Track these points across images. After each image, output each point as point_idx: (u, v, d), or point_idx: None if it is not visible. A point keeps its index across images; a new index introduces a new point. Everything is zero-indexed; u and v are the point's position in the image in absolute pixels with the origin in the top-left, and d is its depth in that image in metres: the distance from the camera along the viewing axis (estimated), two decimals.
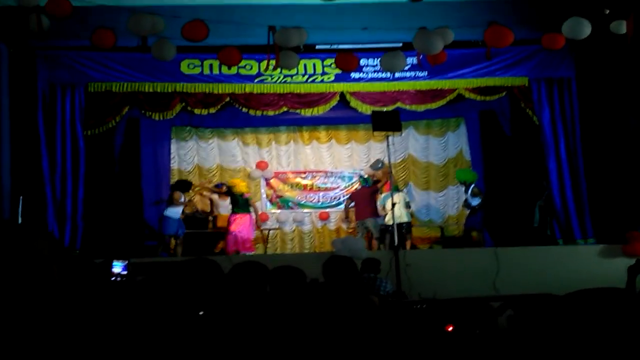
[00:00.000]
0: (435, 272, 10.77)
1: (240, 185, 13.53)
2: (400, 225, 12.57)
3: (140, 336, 3.29)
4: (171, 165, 15.35)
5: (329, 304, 4.35)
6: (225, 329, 3.71)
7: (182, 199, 13.10)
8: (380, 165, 14.14)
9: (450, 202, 15.94)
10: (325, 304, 4.36)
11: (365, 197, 13.77)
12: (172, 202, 12.99)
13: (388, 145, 11.03)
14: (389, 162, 11.15)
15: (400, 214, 13.06)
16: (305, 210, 15.92)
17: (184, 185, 13.48)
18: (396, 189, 13.73)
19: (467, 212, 13.83)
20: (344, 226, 15.49)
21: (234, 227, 12.99)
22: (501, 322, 4.54)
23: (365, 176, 15.16)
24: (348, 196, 14.62)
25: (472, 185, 13.47)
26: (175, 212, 12.96)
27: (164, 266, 9.36)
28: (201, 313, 3.79)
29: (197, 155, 15.74)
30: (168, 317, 3.70)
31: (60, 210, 12.16)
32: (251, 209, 13.41)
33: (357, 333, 3.91)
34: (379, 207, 13.58)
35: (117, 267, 6.69)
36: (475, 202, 13.34)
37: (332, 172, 15.99)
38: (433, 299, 9.15)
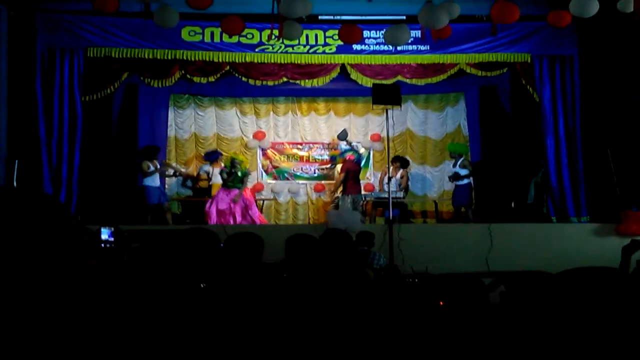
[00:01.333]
0: (428, 247, 10.88)
1: (245, 161, 13.73)
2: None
3: (138, 306, 3.36)
4: (168, 132, 15.44)
5: (327, 276, 4.43)
6: (224, 301, 3.78)
7: (151, 168, 13.03)
8: (347, 136, 14.46)
9: (446, 177, 16.03)
10: (322, 276, 4.43)
11: (357, 173, 13.88)
12: (142, 173, 13.04)
13: (387, 119, 11.11)
14: (387, 135, 11.20)
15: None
16: (301, 181, 16.01)
17: (149, 152, 13.34)
18: (404, 164, 13.96)
19: (454, 185, 13.85)
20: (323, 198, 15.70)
21: (224, 203, 13.03)
22: (493, 298, 4.62)
23: (361, 150, 15.30)
24: (342, 170, 14.49)
25: (462, 158, 13.57)
26: (152, 179, 13.01)
27: (159, 234, 9.47)
28: (202, 285, 3.86)
29: (194, 124, 15.82)
30: (167, 287, 3.76)
31: (56, 175, 12.17)
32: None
33: (353, 305, 3.99)
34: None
35: (104, 234, 6.73)
36: (463, 172, 13.37)
37: (329, 144, 16.04)
38: (425, 273, 9.27)
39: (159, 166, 13.23)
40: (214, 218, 12.92)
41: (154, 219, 12.93)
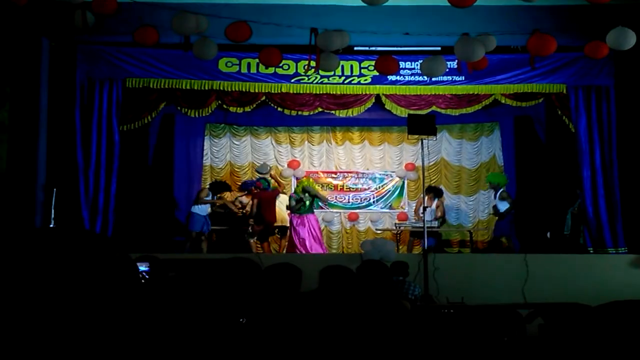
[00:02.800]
0: (463, 277, 10.84)
1: (311, 183, 13.97)
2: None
3: (173, 337, 3.41)
4: (203, 161, 15.61)
5: (364, 308, 4.45)
6: (261, 334, 3.81)
7: (209, 197, 13.39)
8: (267, 170, 14.32)
9: (481, 207, 16.02)
10: (359, 308, 4.45)
11: (267, 200, 13.82)
12: (197, 199, 13.31)
13: (422, 148, 11.15)
14: (422, 164, 11.21)
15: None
16: (335, 210, 16.06)
17: (216, 187, 13.77)
18: (438, 194, 13.96)
19: (496, 218, 13.90)
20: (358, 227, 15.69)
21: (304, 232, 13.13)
22: (530, 330, 4.62)
23: (396, 179, 15.37)
24: (254, 197, 14.04)
25: (501, 190, 13.57)
26: (201, 208, 13.26)
27: (193, 263, 9.57)
28: (242, 320, 3.89)
29: (229, 153, 16.00)
30: (203, 318, 3.80)
31: (93, 204, 12.28)
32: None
33: (392, 337, 4.01)
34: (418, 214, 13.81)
35: (141, 271, 6.79)
36: (503, 206, 13.40)
37: (363, 173, 16.12)
38: (461, 304, 9.23)
39: (215, 198, 13.56)
40: (302, 246, 13.03)
41: (192, 248, 13.04)
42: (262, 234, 13.88)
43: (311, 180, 14.54)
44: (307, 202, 13.27)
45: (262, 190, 13.79)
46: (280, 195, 14.26)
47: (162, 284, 5.18)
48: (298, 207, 13.23)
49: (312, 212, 13.45)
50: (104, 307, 1.63)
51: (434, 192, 14.39)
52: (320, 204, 14.23)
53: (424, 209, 11.78)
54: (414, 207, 15.20)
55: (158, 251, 9.45)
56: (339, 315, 4.24)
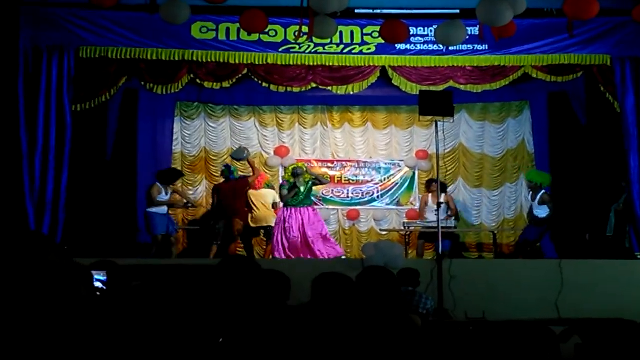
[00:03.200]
0: (485, 288, 10.84)
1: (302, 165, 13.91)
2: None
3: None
4: (173, 148, 15.64)
5: (365, 324, 4.45)
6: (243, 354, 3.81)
7: (162, 195, 13.06)
8: (244, 155, 13.95)
9: (507, 203, 16.05)
10: (359, 324, 4.45)
11: (231, 192, 13.72)
12: (150, 201, 13.02)
13: (436, 132, 11.11)
14: (437, 151, 11.19)
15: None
16: (331, 207, 16.06)
17: (168, 177, 13.41)
18: (443, 189, 13.87)
19: (527, 222, 13.87)
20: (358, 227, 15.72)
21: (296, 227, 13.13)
22: (565, 351, 4.62)
23: (405, 170, 15.37)
24: (214, 190, 14.20)
25: (542, 192, 13.32)
26: (160, 207, 13.12)
27: (161, 270, 9.54)
28: (221, 340, 3.90)
29: (204, 137, 16.02)
30: (173, 335, 3.80)
31: (40, 199, 12.19)
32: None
33: (399, 358, 4.02)
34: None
35: (97, 280, 6.71)
36: (543, 212, 13.18)
37: (365, 162, 16.12)
38: (482, 319, 9.25)
39: (170, 193, 13.26)
40: (281, 251, 13.03)
41: (159, 252, 12.95)
42: (244, 236, 13.87)
43: (302, 164, 14.47)
44: (303, 188, 13.30)
45: (226, 179, 13.80)
46: (263, 189, 14.20)
47: (123, 296, 5.17)
48: (292, 196, 13.25)
49: (310, 204, 13.49)
50: (39, 324, 1.63)
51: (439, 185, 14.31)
52: (318, 193, 14.18)
53: (439, 204, 11.74)
54: (419, 207, 15.22)
55: (118, 256, 9.42)
56: (336, 333, 4.24)
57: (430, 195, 14.21)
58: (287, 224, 13.13)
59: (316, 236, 13.14)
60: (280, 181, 14.34)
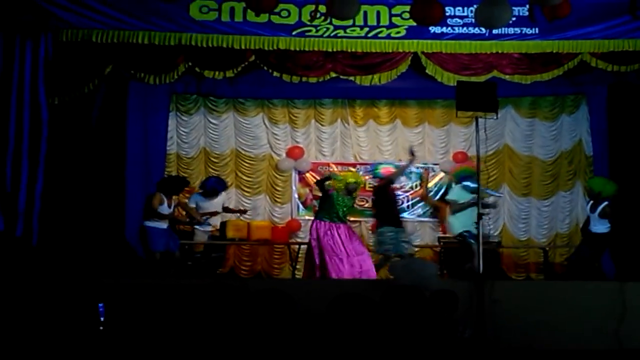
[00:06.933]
0: (533, 313, 10.77)
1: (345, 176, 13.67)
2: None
3: None
4: (168, 148, 15.68)
5: (393, 352, 4.44)
6: None
7: (164, 207, 13.01)
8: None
9: (560, 215, 16.02)
10: (388, 352, 4.44)
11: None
12: (149, 212, 12.97)
13: (477, 131, 11.05)
14: (477, 153, 11.15)
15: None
16: (353, 218, 16.03)
17: (172, 186, 13.35)
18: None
19: (582, 238, 13.78)
20: None
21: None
22: None
23: (440, 175, 15.42)
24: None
25: (605, 203, 12.96)
26: (161, 221, 13.02)
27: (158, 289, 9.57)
28: None
29: (204, 135, 16.08)
30: None
31: (11, 204, 12.18)
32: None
33: None
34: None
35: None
36: (602, 227, 12.98)
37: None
38: (529, 349, 9.20)
39: (173, 206, 13.24)
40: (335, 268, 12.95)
41: (158, 271, 12.87)
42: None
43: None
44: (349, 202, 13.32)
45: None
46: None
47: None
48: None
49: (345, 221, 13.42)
50: None
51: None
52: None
53: (479, 217, 11.64)
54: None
55: (102, 273, 9.43)
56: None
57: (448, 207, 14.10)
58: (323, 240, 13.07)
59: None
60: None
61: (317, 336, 4.81)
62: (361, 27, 12.65)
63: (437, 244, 15.17)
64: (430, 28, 12.60)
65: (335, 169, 15.94)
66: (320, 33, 12.65)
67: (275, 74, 13.15)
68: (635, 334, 10.38)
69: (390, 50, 12.88)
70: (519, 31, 12.76)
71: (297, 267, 15.01)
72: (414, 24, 12.07)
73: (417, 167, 16.08)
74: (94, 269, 11.51)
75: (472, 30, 12.76)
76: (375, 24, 12.70)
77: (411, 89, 14.69)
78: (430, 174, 16.03)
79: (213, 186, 14.43)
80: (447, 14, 12.36)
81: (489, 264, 13.57)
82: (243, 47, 12.70)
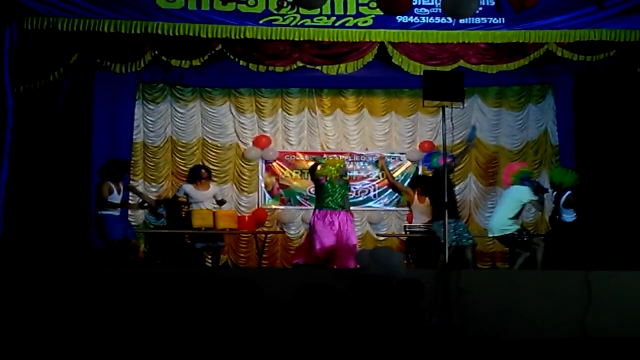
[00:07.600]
0: (499, 303, 10.86)
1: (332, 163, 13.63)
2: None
3: None
4: (134, 137, 15.66)
5: (360, 341, 4.49)
6: None
7: (114, 194, 12.95)
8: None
9: (527, 205, 16.06)
10: (355, 341, 4.49)
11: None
12: (101, 202, 12.91)
13: (444, 121, 11.14)
14: (444, 143, 11.22)
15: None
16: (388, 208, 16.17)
17: (115, 170, 13.17)
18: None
19: (549, 228, 13.89)
20: None
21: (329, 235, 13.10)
22: None
23: (407, 164, 15.48)
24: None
25: (569, 192, 13.14)
26: (113, 209, 13.03)
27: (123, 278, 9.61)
28: None
29: (170, 125, 16.08)
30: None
31: None
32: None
33: None
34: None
35: None
36: (570, 217, 13.12)
37: (360, 156, 16.18)
38: (495, 338, 9.30)
39: (123, 191, 13.17)
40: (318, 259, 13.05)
41: (115, 260, 12.88)
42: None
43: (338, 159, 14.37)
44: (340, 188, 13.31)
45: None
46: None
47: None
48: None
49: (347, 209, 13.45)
50: None
51: (422, 184, 14.30)
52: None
53: (445, 206, 11.69)
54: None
55: (69, 264, 9.45)
56: (321, 351, 4.29)
57: (416, 196, 14.16)
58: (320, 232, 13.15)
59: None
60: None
61: (283, 325, 4.85)
62: (328, 17, 12.61)
63: (403, 233, 15.18)
64: (397, 18, 12.57)
65: (302, 158, 16.06)
66: (287, 22, 12.62)
67: (242, 63, 13.17)
68: (600, 323, 10.52)
69: (357, 40, 12.87)
70: (486, 21, 12.76)
71: (264, 256, 15.06)
72: (382, 13, 12.15)
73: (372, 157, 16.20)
74: (59, 259, 11.54)
75: (439, 20, 12.74)
76: (342, 13, 12.65)
77: (378, 78, 14.75)
78: (397, 164, 16.08)
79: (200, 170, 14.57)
80: (415, 3, 12.36)
81: (457, 254, 13.74)
82: (210, 36, 12.66)
